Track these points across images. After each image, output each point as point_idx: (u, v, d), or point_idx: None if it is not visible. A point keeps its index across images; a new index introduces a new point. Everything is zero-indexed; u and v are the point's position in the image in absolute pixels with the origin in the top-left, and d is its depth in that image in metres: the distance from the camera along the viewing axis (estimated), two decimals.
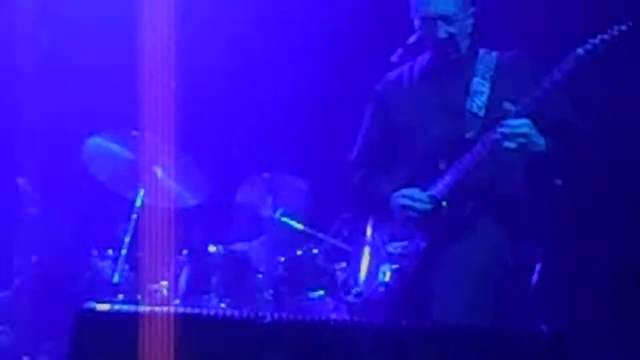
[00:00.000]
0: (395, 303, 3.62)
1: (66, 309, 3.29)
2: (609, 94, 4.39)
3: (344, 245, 4.61)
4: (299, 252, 4.74)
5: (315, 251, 4.71)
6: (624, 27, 3.32)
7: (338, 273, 4.52)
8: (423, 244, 3.57)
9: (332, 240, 4.70)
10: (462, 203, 3.58)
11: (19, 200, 5.16)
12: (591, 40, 3.34)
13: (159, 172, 4.57)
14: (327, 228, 4.81)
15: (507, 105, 3.45)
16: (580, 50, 3.33)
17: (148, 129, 4.60)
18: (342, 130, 4.49)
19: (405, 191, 3.53)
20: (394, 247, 3.66)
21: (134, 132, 4.55)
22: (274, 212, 4.77)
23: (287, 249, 4.81)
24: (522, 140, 3.34)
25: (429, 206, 3.52)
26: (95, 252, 4.83)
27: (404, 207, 3.54)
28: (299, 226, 4.74)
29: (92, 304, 2.36)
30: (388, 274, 3.66)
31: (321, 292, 4.56)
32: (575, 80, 3.42)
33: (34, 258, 4.99)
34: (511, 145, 3.32)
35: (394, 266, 3.64)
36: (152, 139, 4.59)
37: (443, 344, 2.39)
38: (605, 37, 3.34)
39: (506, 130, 3.34)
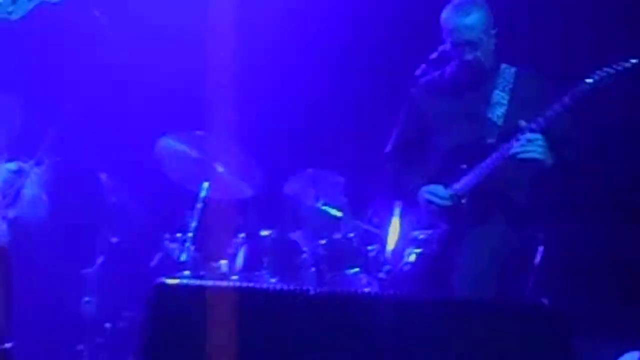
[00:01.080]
0: (419, 280, 3.97)
1: (142, 283, 3.92)
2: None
3: (375, 230, 4.78)
4: (337, 236, 4.95)
5: (350, 235, 4.93)
6: (629, 65, 3.67)
7: (370, 253, 4.74)
8: (444, 233, 3.89)
9: (365, 226, 4.90)
10: (479, 200, 3.86)
11: (102, 191, 5.47)
12: (599, 72, 3.66)
13: (219, 167, 4.86)
14: (361, 215, 5.03)
15: (522, 123, 3.76)
16: (589, 80, 3.64)
17: (211, 130, 4.93)
18: (372, 132, 4.95)
19: (431, 187, 3.86)
20: (419, 233, 3.98)
21: (198, 133, 4.88)
22: (316, 202, 5.01)
23: (327, 233, 5.03)
24: (534, 153, 3.66)
25: (449, 203, 3.83)
26: (166, 236, 5.17)
27: (429, 201, 3.86)
28: (337, 214, 4.98)
29: (164, 279, 2.58)
30: (413, 256, 3.96)
31: (356, 270, 4.78)
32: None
33: (114, 239, 5.32)
34: (526, 155, 3.64)
35: (419, 250, 3.96)
36: (214, 139, 4.94)
37: (456, 314, 2.58)
38: (612, 71, 3.67)
39: (524, 142, 3.65)
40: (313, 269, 4.94)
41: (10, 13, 3.13)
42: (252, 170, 5.06)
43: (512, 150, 3.69)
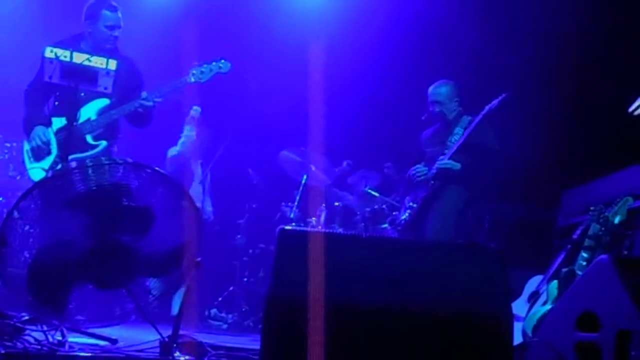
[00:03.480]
0: (408, 227, 4.99)
1: (269, 229, 5.30)
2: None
3: (396, 203, 5.77)
4: (375, 206, 5.92)
5: (383, 206, 5.92)
6: (505, 96, 4.60)
7: (395, 215, 5.53)
8: (421, 199, 4.90)
9: (392, 201, 5.92)
10: (440, 183, 4.84)
11: (249, 177, 6.52)
12: (488, 107, 4.69)
13: (312, 167, 6.05)
14: (389, 195, 6.02)
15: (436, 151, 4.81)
16: (486, 108, 4.66)
17: (308, 146, 6.00)
18: (397, 148, 5.97)
19: (417, 167, 4.91)
20: (411, 203, 5.02)
21: (302, 148, 6.03)
22: (365, 187, 6.10)
23: (369, 204, 5.98)
24: (446, 166, 4.73)
25: (424, 174, 4.80)
26: (283, 203, 6.36)
27: (415, 174, 4.87)
28: (375, 194, 6.01)
29: (283, 227, 2.58)
30: (406, 214, 5.04)
31: (385, 225, 5.69)
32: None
33: (254, 205, 6.55)
34: (442, 166, 4.73)
35: (409, 211, 5.01)
36: (310, 151, 6.02)
37: (429, 251, 2.70)
38: (496, 102, 4.63)
39: (442, 160, 4.77)
40: (362, 224, 5.89)
41: (201, 79, 4.35)
42: (329, 169, 6.19)
43: (440, 163, 4.77)
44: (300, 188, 6.06)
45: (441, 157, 4.82)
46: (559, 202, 5.48)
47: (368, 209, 5.95)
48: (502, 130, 4.96)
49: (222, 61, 4.37)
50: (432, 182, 4.84)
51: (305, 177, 6.10)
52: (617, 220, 4.15)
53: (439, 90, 4.98)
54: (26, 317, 2.90)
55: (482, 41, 5.75)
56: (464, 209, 4.94)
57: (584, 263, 4.06)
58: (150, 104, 4.21)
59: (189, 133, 5.87)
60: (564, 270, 4.18)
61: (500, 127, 4.95)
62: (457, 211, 4.87)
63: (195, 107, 5.81)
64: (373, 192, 6.06)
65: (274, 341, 2.33)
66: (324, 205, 6.05)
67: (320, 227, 5.87)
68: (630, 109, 3.64)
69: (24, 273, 2.79)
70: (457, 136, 4.88)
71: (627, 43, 5.31)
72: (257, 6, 6.41)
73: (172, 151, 5.90)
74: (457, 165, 4.76)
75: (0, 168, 4.88)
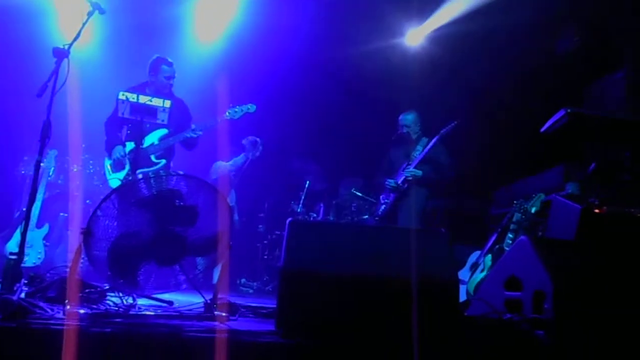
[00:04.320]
0: (383, 218, 4.97)
1: (281, 220, 4.25)
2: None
3: (374, 201, 5.54)
4: (360, 202, 5.86)
5: (364, 202, 5.85)
6: (454, 123, 4.61)
7: (373, 209, 5.47)
8: (393, 199, 4.88)
9: (370, 199, 5.77)
10: (407, 185, 4.83)
11: (267, 183, 6.46)
12: (442, 130, 4.64)
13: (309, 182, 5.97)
14: (369, 195, 5.84)
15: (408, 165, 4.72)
16: (441, 132, 4.62)
17: (309, 159, 6.06)
18: (375, 153, 5.61)
19: (388, 180, 4.86)
20: (384, 199, 4.97)
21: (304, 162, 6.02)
22: (352, 189, 5.97)
23: (355, 202, 5.90)
24: (412, 173, 4.72)
25: (395, 185, 4.80)
26: (292, 202, 6.14)
27: (388, 184, 4.86)
28: (359, 194, 5.89)
29: (291, 218, 2.52)
30: (382, 208, 4.97)
31: (367, 216, 5.70)
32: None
33: (271, 203, 6.41)
34: (408, 174, 4.74)
35: (384, 205, 4.96)
36: (310, 164, 6.08)
37: (395, 234, 2.61)
38: (449, 128, 4.65)
39: (408, 169, 4.76)
40: (349, 216, 5.88)
41: (234, 117, 4.33)
42: (324, 178, 6.32)
43: (407, 171, 4.77)
44: (304, 190, 6.09)
45: (407, 166, 4.80)
46: (492, 197, 5.54)
47: (354, 204, 5.90)
48: (452, 147, 4.95)
49: (250, 104, 4.37)
50: (401, 185, 4.79)
51: (307, 182, 6.11)
52: (533, 210, 4.17)
53: (407, 117, 5.00)
54: (106, 287, 2.92)
55: (436, 87, 5.74)
56: (425, 205, 4.89)
57: (510, 242, 4.09)
58: (200, 133, 4.26)
59: (241, 157, 5.60)
60: (496, 247, 4.22)
61: (450, 145, 4.95)
62: (420, 207, 4.81)
63: (253, 138, 5.54)
64: (357, 192, 5.94)
65: (286, 301, 2.32)
66: (321, 203, 6.10)
67: (319, 218, 5.91)
68: (542, 130, 3.63)
69: (105, 255, 2.82)
70: (418, 152, 4.85)
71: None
72: (271, 61, 6.34)
73: (220, 164, 5.67)
74: (420, 173, 4.76)
75: (87, 179, 4.86)
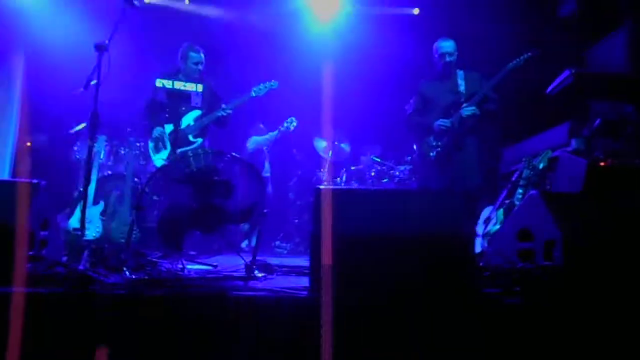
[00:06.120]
0: (435, 163, 4.08)
1: (309, 189, 5.07)
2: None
3: (393, 166, 5.40)
4: (378, 168, 5.62)
5: (384, 168, 5.56)
6: (532, 54, 3.78)
7: (391, 173, 5.41)
8: (446, 140, 4.04)
9: (390, 164, 5.53)
10: (460, 126, 4.04)
11: (294, 155, 6.21)
12: (515, 61, 3.82)
13: (329, 154, 5.73)
14: (388, 160, 5.64)
15: (466, 97, 3.88)
16: (510, 65, 3.84)
17: (329, 134, 5.70)
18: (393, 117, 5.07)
19: (440, 120, 4.02)
20: (434, 142, 4.09)
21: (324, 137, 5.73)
22: (371, 155, 5.76)
23: (375, 167, 5.65)
24: (471, 112, 3.93)
25: (449, 125, 3.99)
26: (317, 170, 5.89)
27: (440, 125, 4.01)
28: (378, 160, 5.69)
29: (319, 186, 2.32)
30: (433, 153, 4.09)
31: (386, 180, 5.47)
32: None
33: (299, 172, 6.06)
34: (468, 112, 3.93)
35: (436, 150, 4.08)
36: (332, 137, 5.73)
37: (414, 196, 2.43)
38: (522, 58, 3.81)
39: (467, 107, 3.94)
40: (370, 180, 5.54)
41: (259, 94, 4.21)
42: (345, 147, 5.89)
43: (465, 110, 3.96)
44: (328, 160, 5.85)
45: (464, 105, 3.92)
46: (502, 156, 5.25)
47: (374, 170, 5.70)
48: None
49: (273, 81, 4.29)
50: (457, 127, 3.94)
51: (330, 153, 5.90)
52: (541, 166, 4.03)
53: (449, 43, 4.03)
54: (159, 255, 2.96)
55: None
56: (480, 157, 4.12)
57: (520, 196, 3.94)
58: (229, 111, 4.24)
59: (274, 133, 5.45)
60: (507, 202, 4.07)
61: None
62: (477, 160, 4.07)
63: (292, 119, 5.33)
64: (376, 159, 5.78)
65: (316, 260, 2.26)
66: (344, 169, 5.78)
67: (342, 184, 5.65)
68: (548, 91, 3.50)
69: (154, 226, 2.87)
70: (462, 87, 4.01)
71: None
72: (289, 39, 6.05)
73: (255, 138, 5.53)
74: (478, 111, 3.92)
75: (135, 159, 4.84)
